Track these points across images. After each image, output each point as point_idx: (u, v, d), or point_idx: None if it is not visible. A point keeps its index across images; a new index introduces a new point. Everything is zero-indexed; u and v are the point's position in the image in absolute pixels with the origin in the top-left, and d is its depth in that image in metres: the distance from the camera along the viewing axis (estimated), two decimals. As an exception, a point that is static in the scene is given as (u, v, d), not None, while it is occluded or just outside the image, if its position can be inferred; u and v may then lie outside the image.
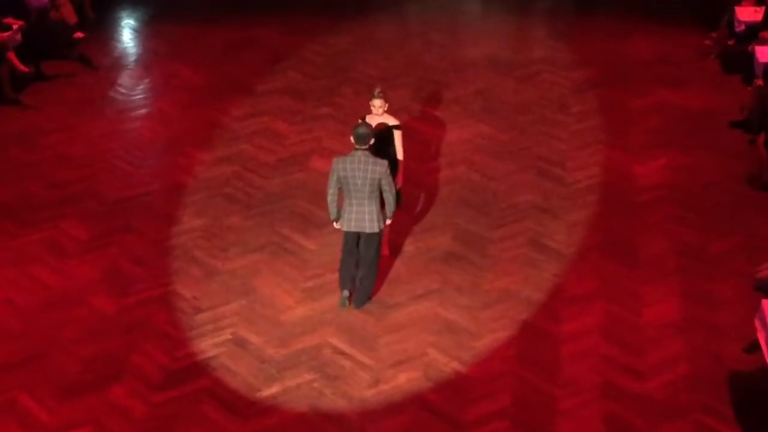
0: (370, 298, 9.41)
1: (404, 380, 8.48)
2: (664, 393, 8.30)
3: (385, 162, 8.96)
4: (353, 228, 9.08)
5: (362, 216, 9.02)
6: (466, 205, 10.89)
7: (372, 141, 8.94)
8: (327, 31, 15.33)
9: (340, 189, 9.03)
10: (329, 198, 9.09)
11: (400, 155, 9.64)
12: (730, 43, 14.00)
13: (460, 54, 14.55)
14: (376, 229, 9.07)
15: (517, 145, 12.05)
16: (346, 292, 9.33)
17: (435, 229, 10.47)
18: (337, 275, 9.46)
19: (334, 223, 9.26)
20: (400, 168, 9.69)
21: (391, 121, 9.63)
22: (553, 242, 10.24)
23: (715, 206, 10.80)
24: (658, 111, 12.83)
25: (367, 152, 8.90)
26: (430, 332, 9.03)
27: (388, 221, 9.27)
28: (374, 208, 9.01)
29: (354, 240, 9.20)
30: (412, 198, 10.86)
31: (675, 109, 12.85)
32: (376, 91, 9.53)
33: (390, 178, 8.96)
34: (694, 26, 15.09)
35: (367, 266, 9.22)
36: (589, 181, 11.32)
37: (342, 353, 8.79)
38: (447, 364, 8.66)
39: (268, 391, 8.38)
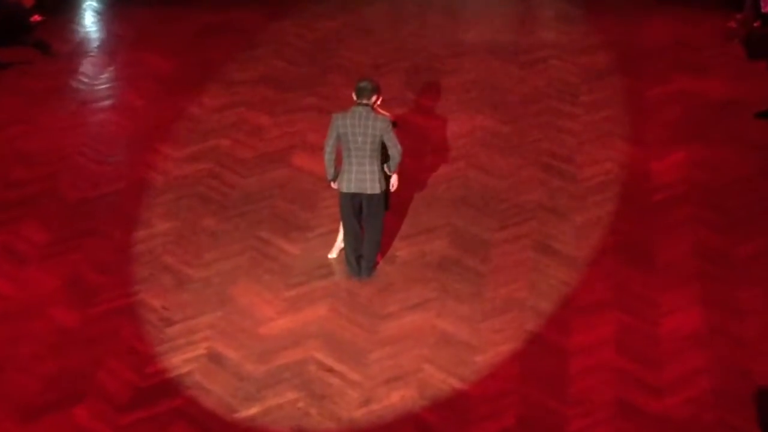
0: (376, 264, 9.79)
1: (397, 399, 8.50)
2: (685, 411, 8.33)
3: (387, 118, 9.21)
4: (353, 189, 9.32)
5: (363, 176, 9.25)
6: (465, 204, 10.92)
7: (375, 96, 9.18)
8: (311, 13, 15.35)
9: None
10: (326, 156, 9.35)
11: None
12: (756, 25, 14.06)
13: (458, 37, 14.58)
14: (377, 190, 9.32)
15: (521, 139, 12.08)
16: (356, 267, 9.71)
17: (431, 232, 10.50)
18: (322, 283, 9.68)
19: (331, 184, 9.52)
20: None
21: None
22: (562, 245, 10.28)
23: (740, 205, 10.85)
24: (677, 100, 12.88)
25: (368, 107, 9.15)
26: (426, 346, 9.05)
27: (394, 179, 9.49)
28: (375, 167, 9.27)
29: (352, 205, 9.44)
30: (405, 197, 10.88)
31: (695, 99, 12.90)
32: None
33: (392, 134, 9.19)
34: (717, 7, 15.12)
35: (370, 232, 9.53)
36: (601, 177, 11.36)
37: (329, 369, 8.80)
38: (445, 380, 8.68)
39: (247, 412, 8.39)
